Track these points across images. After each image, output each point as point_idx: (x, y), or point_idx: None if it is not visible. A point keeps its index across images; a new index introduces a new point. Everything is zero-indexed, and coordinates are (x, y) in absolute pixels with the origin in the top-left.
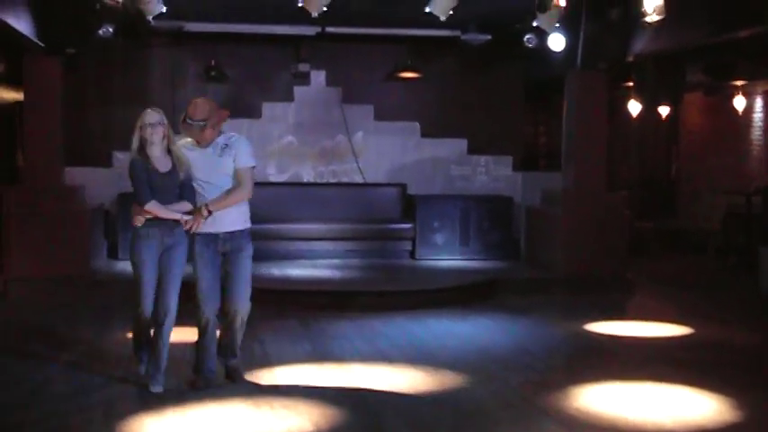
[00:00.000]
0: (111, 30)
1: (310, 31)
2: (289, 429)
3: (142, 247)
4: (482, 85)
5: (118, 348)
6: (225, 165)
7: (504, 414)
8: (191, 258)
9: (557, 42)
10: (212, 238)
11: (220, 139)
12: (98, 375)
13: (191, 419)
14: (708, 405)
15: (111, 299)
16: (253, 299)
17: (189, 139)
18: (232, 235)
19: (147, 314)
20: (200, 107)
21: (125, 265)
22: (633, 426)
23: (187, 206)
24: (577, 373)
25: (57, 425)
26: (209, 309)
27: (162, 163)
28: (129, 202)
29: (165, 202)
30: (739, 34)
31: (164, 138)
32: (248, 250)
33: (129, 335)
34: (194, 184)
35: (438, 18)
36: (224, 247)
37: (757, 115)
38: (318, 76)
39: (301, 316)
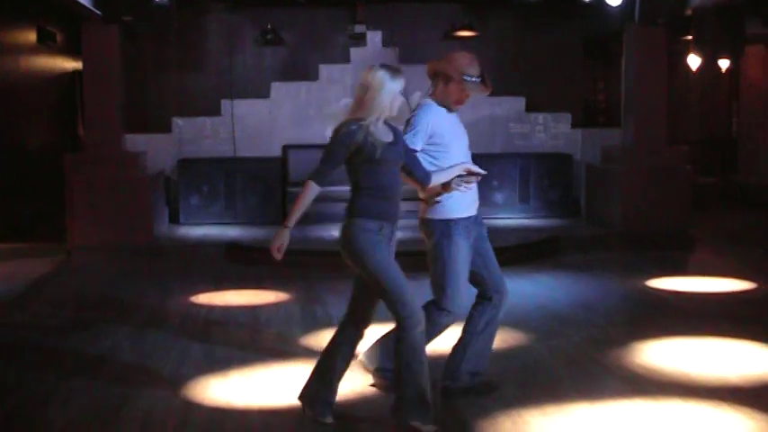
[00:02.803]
0: None
1: None
2: (352, 389)
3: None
4: (539, 43)
5: (181, 313)
6: None
7: (567, 371)
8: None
9: None
10: (471, 221)
11: None
12: (163, 340)
13: (255, 381)
14: (762, 359)
15: (173, 264)
16: (314, 262)
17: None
18: (478, 215)
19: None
20: (476, 61)
21: (186, 231)
22: (697, 381)
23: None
24: (639, 329)
25: (125, 388)
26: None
27: (385, 132)
28: (189, 167)
29: (390, 177)
30: None
31: None
32: None
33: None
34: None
35: None
36: (477, 231)
37: None
38: (375, 37)
39: None
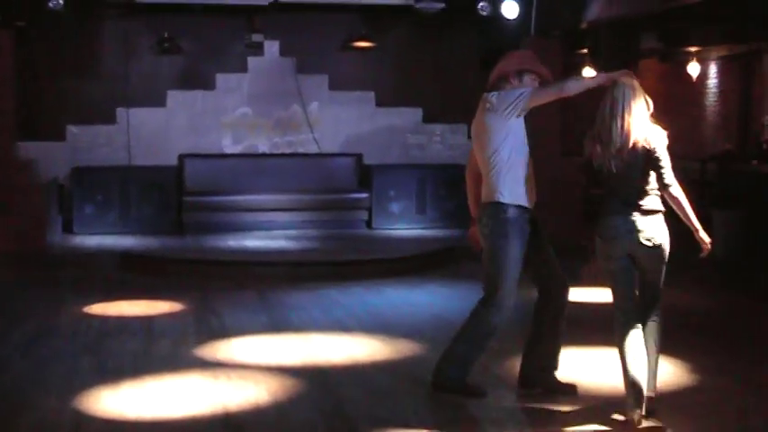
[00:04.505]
0: (61, 2)
1: (263, 0)
2: (246, 400)
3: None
4: (436, 54)
5: (74, 323)
6: None
7: None
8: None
9: (510, 10)
10: (527, 212)
11: None
12: (54, 351)
13: (147, 392)
14: (663, 369)
15: (66, 274)
16: (210, 272)
17: None
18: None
19: None
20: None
21: (80, 240)
22: (590, 390)
23: None
24: None
25: (15, 400)
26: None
27: None
28: (83, 176)
29: None
30: (693, 0)
31: None
32: None
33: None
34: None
35: None
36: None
37: (711, 81)
38: (272, 47)
39: (258, 287)
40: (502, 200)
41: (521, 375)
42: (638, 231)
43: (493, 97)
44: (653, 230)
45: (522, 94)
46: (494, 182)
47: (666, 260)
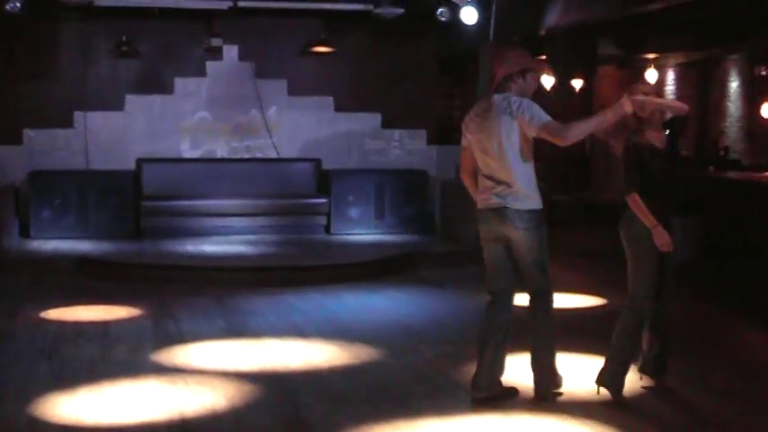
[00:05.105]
0: (18, 4)
1: (223, 5)
2: (203, 406)
3: None
4: (396, 59)
5: (30, 328)
6: None
7: (419, 387)
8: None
9: (469, 16)
10: None
11: None
12: (10, 356)
13: (104, 397)
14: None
15: (23, 279)
16: (167, 277)
17: None
18: None
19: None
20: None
21: (37, 245)
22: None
23: None
24: None
25: None
26: None
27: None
28: (41, 180)
29: (665, 192)
30: (651, 7)
31: None
32: None
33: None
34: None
35: None
36: None
37: (669, 88)
38: (231, 51)
39: (216, 292)
40: (539, 207)
41: (476, 381)
42: (622, 226)
43: (514, 104)
44: (630, 224)
45: (536, 119)
46: (528, 189)
47: (639, 254)
